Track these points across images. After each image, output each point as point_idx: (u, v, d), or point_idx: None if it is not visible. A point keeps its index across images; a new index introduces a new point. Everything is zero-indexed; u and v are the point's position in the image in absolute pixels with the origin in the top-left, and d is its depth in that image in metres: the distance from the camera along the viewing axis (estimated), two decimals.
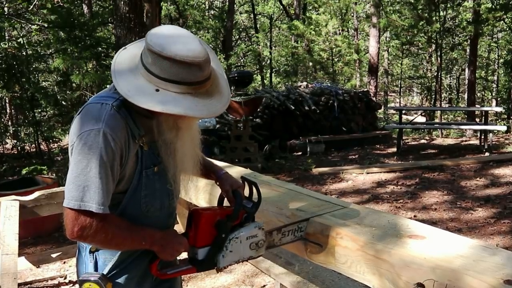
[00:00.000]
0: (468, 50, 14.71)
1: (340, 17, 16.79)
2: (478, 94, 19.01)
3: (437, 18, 12.73)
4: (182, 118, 1.24)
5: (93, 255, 1.30)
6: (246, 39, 20.72)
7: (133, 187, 1.27)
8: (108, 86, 1.31)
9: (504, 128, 8.34)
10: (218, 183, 1.54)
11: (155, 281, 1.39)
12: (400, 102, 22.00)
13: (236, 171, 2.39)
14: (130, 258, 1.32)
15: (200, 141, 1.44)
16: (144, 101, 1.15)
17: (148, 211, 1.31)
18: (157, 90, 1.16)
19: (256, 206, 1.45)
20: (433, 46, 13.93)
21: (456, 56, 19.00)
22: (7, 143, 9.93)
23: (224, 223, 1.36)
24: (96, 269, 1.30)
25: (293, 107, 8.29)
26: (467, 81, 14.00)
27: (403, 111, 8.67)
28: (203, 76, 1.20)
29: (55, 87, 8.75)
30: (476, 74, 14.53)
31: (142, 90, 1.17)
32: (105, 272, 1.29)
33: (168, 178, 1.35)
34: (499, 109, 11.92)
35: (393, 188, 5.45)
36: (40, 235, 4.30)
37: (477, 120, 11.63)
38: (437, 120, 14.10)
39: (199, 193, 2.23)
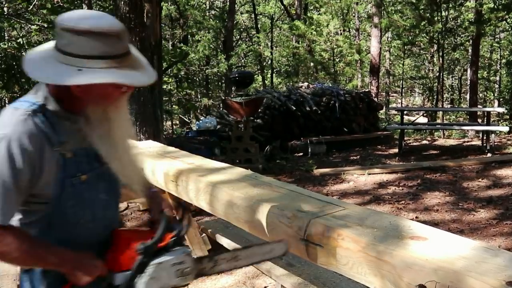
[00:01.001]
0: (470, 51, 14.69)
1: (341, 17, 16.80)
2: (480, 95, 18.97)
3: (439, 18, 12.71)
4: (111, 107, 1.20)
5: (27, 273, 1.24)
6: (247, 39, 20.73)
7: (56, 197, 1.19)
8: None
9: (506, 128, 8.32)
10: (147, 202, 1.46)
11: None
12: (401, 103, 21.96)
13: (237, 172, 2.39)
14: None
15: (133, 133, 1.38)
16: (67, 80, 1.10)
17: (78, 222, 1.23)
18: (80, 70, 1.10)
19: (184, 231, 1.36)
20: (435, 47, 13.90)
21: (458, 57, 18.96)
22: None
23: (147, 246, 1.25)
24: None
25: (294, 108, 8.28)
26: (469, 81, 13.99)
27: (405, 112, 8.67)
28: (124, 48, 1.16)
29: None
30: (478, 75, 14.52)
31: (62, 74, 1.10)
32: None
33: (106, 187, 1.28)
34: (501, 110, 11.92)
35: (395, 189, 5.43)
36: None
37: (479, 120, 11.62)
38: (439, 121, 14.07)
39: (200, 194, 2.22)
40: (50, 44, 1.18)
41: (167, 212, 1.37)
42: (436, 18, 12.67)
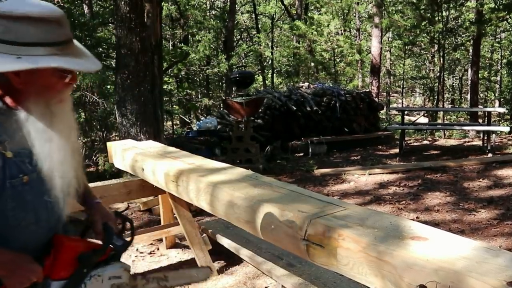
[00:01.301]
0: (471, 51, 14.66)
1: (342, 17, 16.79)
2: (481, 95, 18.95)
3: (439, 18, 12.69)
4: (54, 100, 1.15)
5: None
6: (247, 40, 20.71)
7: None
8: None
9: (507, 129, 8.31)
10: (88, 212, 1.41)
11: None
12: (402, 103, 21.94)
13: (237, 172, 2.39)
14: None
15: (78, 136, 1.31)
16: (4, 68, 1.05)
17: (19, 225, 1.17)
18: (19, 58, 1.05)
19: (126, 246, 1.37)
20: (436, 47, 13.89)
21: (458, 57, 18.95)
22: None
23: (88, 257, 1.26)
24: None
25: (294, 108, 8.28)
26: (470, 81, 13.98)
27: (406, 112, 8.65)
28: (66, 36, 1.12)
29: None
30: (479, 75, 14.50)
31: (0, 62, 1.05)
32: None
33: (49, 188, 1.21)
34: (502, 110, 11.90)
35: (396, 189, 5.43)
36: None
37: (480, 121, 11.62)
38: (439, 121, 14.06)
39: (200, 194, 2.22)
40: None
41: (111, 226, 1.35)
42: (436, 18, 12.65)
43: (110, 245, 1.33)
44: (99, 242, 1.31)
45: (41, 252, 1.23)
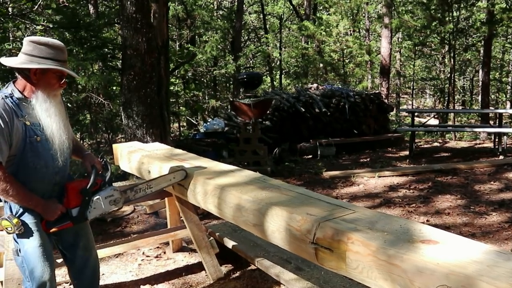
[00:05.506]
0: (482, 51, 14.50)
1: (351, 17, 16.71)
2: (492, 96, 18.72)
3: (450, 18, 12.58)
4: (52, 93, 1.96)
5: (8, 202, 1.96)
6: (255, 40, 20.71)
7: (21, 149, 1.90)
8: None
9: None
10: (82, 160, 2.21)
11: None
12: (412, 104, 21.77)
13: (245, 174, 2.37)
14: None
15: (67, 114, 2.11)
16: (32, 66, 1.90)
17: (36, 167, 1.95)
18: (39, 63, 1.91)
19: (110, 175, 2.12)
20: (446, 47, 13.76)
21: (469, 57, 18.74)
22: None
23: (85, 189, 2.02)
24: (11, 211, 1.96)
25: (303, 109, 8.26)
26: (481, 82, 13.81)
27: (416, 114, 8.58)
28: (64, 58, 1.99)
29: None
30: (490, 76, 14.31)
31: (30, 64, 1.91)
32: (14, 212, 1.95)
33: (52, 146, 1.98)
34: None
35: (406, 192, 5.38)
36: None
37: (491, 122, 11.48)
38: (450, 123, 13.93)
39: (208, 197, 2.21)
40: (19, 55, 1.95)
41: (96, 166, 2.12)
42: (447, 19, 12.54)
43: (99, 178, 2.07)
44: (91, 178, 2.05)
45: (51, 187, 2.03)
